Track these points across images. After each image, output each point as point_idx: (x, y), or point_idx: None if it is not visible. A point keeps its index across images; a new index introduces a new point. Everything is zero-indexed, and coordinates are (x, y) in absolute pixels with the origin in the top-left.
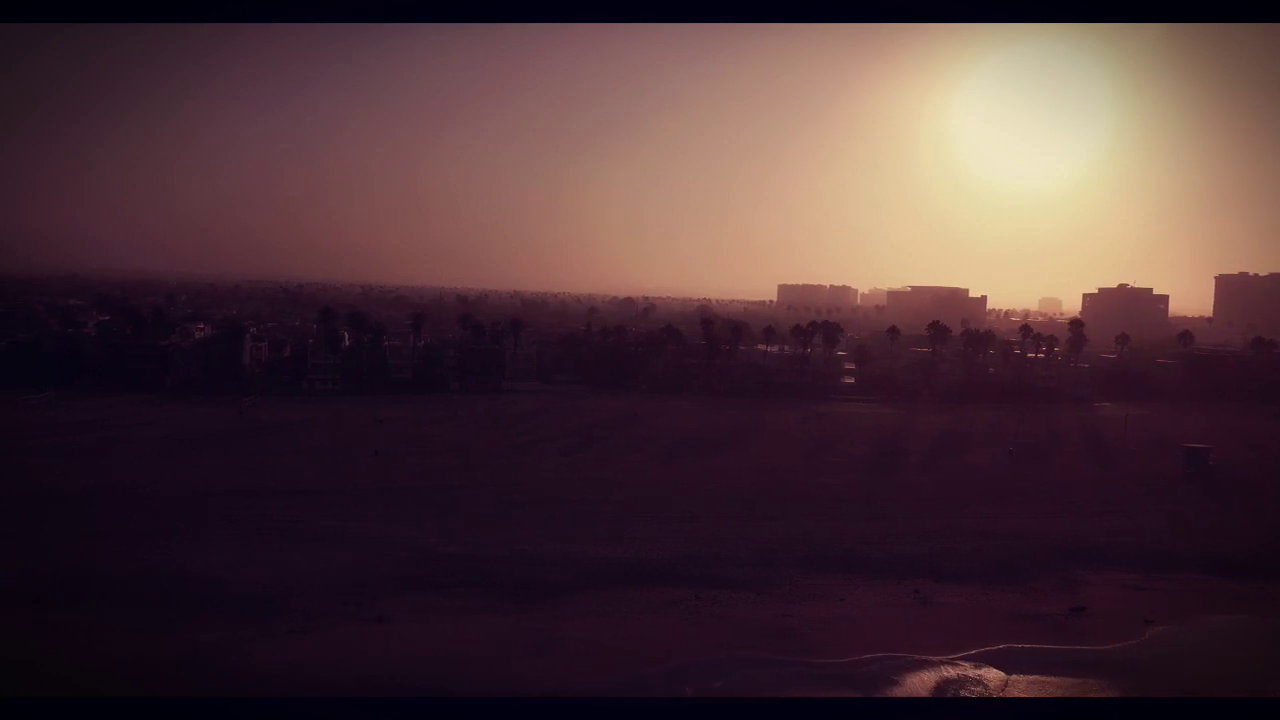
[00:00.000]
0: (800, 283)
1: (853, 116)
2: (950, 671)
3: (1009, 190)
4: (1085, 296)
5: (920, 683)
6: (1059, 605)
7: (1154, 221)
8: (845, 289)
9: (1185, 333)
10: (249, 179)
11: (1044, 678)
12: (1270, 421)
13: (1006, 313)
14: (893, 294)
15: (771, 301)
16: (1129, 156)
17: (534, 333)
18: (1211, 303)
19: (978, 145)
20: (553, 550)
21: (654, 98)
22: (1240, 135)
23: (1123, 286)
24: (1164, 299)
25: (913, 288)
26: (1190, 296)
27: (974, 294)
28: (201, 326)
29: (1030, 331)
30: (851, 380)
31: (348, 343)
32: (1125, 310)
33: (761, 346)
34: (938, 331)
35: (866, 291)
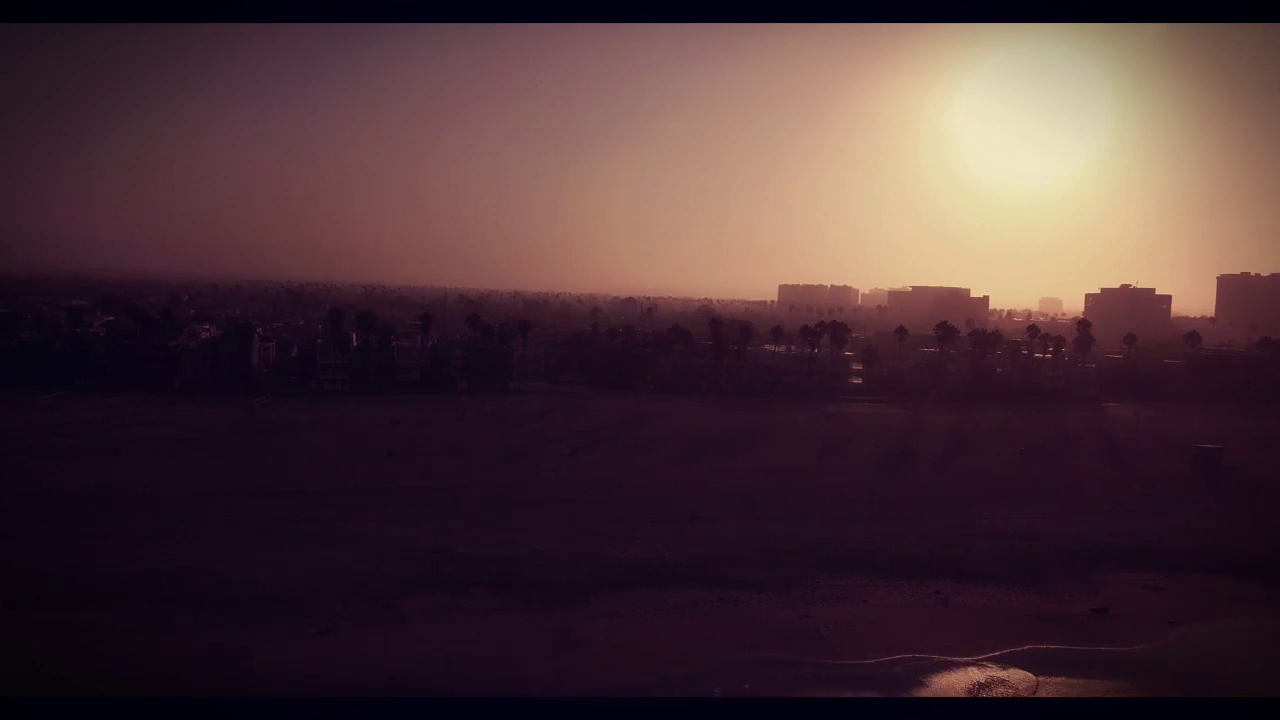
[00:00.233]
0: (801, 283)
1: (853, 117)
2: (976, 673)
3: (1009, 190)
4: (1088, 297)
5: (947, 684)
6: (1081, 606)
7: (1155, 221)
8: (846, 289)
9: (1192, 333)
10: (249, 179)
11: (1070, 679)
12: (1278, 422)
13: (1009, 313)
14: (894, 294)
15: (772, 302)
16: (1130, 156)
17: (540, 333)
18: (1213, 303)
19: (978, 145)
20: (566, 551)
21: (654, 98)
22: (1241, 135)
23: (1126, 287)
24: (1167, 299)
25: (914, 288)
26: (1191, 296)
27: (975, 294)
28: (207, 327)
29: (1038, 331)
30: (859, 380)
31: (355, 343)
32: (1128, 310)
33: (769, 347)
34: (944, 332)
35: (867, 291)
